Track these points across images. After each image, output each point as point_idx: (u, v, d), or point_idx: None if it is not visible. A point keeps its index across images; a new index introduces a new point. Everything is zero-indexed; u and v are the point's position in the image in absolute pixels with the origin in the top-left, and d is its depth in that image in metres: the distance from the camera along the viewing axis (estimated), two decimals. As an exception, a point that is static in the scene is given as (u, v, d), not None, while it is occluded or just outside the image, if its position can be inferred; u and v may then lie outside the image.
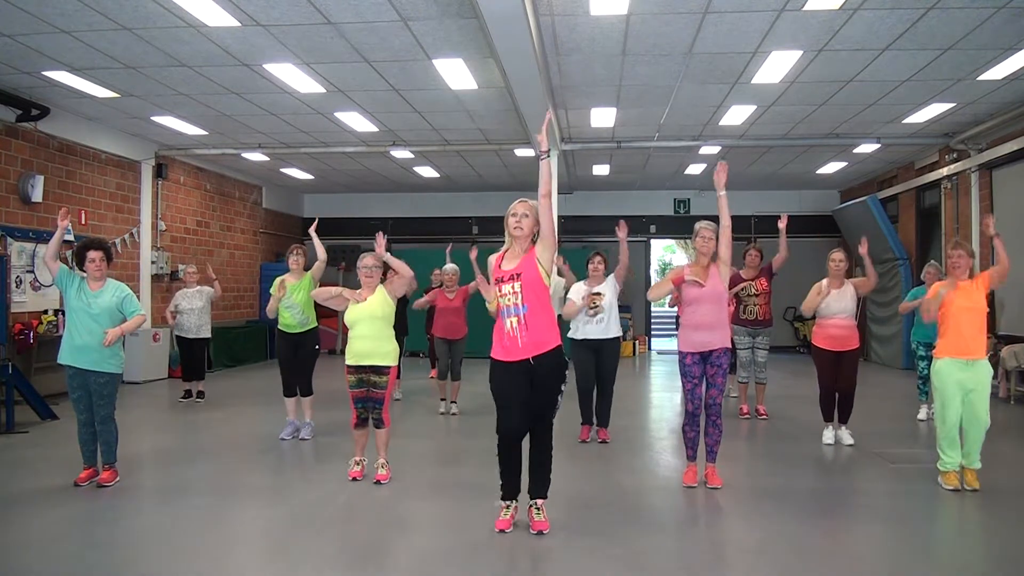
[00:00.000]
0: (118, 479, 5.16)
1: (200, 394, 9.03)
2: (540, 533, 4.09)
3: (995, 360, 9.07)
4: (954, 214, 11.08)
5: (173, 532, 4.24)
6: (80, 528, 4.41)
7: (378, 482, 5.17)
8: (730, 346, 5.16)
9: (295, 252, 6.80)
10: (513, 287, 4.07)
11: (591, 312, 6.27)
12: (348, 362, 5.22)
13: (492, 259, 4.28)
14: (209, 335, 9.17)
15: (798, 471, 5.71)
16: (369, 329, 5.17)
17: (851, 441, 6.40)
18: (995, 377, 8.97)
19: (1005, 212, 9.92)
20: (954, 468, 5.06)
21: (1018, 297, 9.46)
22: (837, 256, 6.47)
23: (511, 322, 4.07)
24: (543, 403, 4.14)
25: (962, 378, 5.03)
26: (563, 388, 4.20)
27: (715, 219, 4.99)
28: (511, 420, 4.09)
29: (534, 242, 4.15)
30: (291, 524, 4.40)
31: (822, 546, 4.09)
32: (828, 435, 6.49)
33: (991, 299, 9.79)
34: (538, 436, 4.21)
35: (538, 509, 4.19)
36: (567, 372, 4.24)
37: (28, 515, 4.52)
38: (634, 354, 14.99)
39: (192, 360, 8.98)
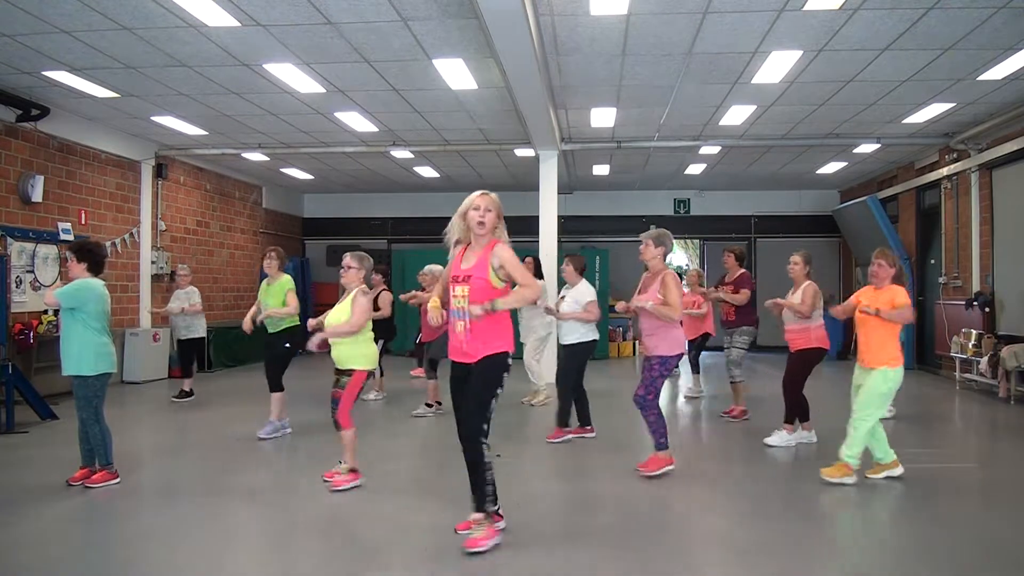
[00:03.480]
0: (117, 480, 5.15)
1: (187, 393, 8.92)
2: (471, 552, 3.81)
3: (995, 360, 9.08)
4: (954, 214, 11.08)
5: (172, 532, 4.24)
6: (79, 528, 4.42)
7: (329, 484, 5.09)
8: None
9: (271, 255, 6.91)
10: (463, 291, 3.91)
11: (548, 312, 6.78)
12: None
13: (456, 250, 4.09)
14: (201, 334, 9.27)
15: (792, 469, 5.71)
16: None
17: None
18: (995, 377, 9.03)
19: (1005, 212, 9.92)
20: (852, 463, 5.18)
21: (1018, 297, 9.46)
22: (796, 257, 6.56)
23: (460, 325, 3.93)
24: (465, 407, 3.93)
25: (859, 382, 5.24)
26: (494, 396, 3.91)
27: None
28: (458, 422, 3.99)
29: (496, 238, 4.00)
30: (291, 524, 4.41)
31: (820, 544, 4.10)
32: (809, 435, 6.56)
33: (991, 299, 9.84)
34: (463, 445, 3.92)
35: (478, 524, 3.93)
36: (501, 381, 3.91)
37: (28, 515, 4.52)
38: (634, 354, 14.99)
39: (183, 358, 9.13)
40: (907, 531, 4.38)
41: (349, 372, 5.14)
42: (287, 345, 6.88)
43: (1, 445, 6.48)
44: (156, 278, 11.53)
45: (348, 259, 5.27)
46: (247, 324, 7.00)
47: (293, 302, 6.80)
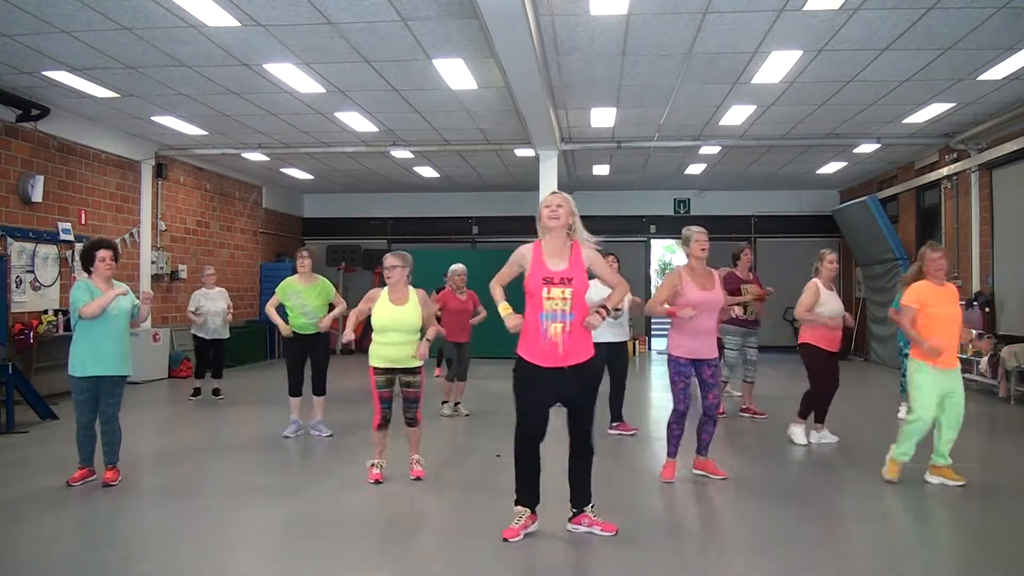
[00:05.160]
0: (120, 478, 5.17)
1: (217, 391, 9.12)
2: (609, 534, 4.06)
3: (995, 360, 9.08)
4: (954, 214, 11.08)
5: (173, 532, 4.24)
6: (80, 528, 4.42)
7: (417, 478, 5.23)
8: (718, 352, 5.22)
9: (302, 255, 6.87)
10: (564, 292, 3.91)
11: (613, 315, 6.30)
12: (376, 364, 5.15)
13: (527, 251, 4.05)
14: (228, 335, 9.33)
15: (795, 470, 5.72)
16: (401, 337, 5.13)
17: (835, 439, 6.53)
18: (995, 377, 9.03)
19: (1005, 212, 9.93)
20: (905, 461, 5.14)
21: (1018, 297, 9.46)
22: (835, 257, 6.55)
23: (554, 328, 3.89)
24: (581, 410, 4.05)
25: (941, 385, 5.07)
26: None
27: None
28: (536, 423, 3.99)
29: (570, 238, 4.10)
30: (293, 524, 4.40)
31: (821, 543, 4.09)
32: (807, 435, 6.53)
33: (991, 299, 9.86)
34: (581, 445, 4.09)
35: (595, 514, 4.13)
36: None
37: (28, 515, 4.52)
38: (634, 354, 14.99)
39: (214, 359, 9.17)
40: (905, 530, 4.37)
41: (417, 370, 5.24)
42: (330, 348, 7.02)
43: (1, 445, 6.48)
44: (156, 278, 11.54)
45: (391, 259, 5.24)
46: (288, 330, 6.73)
47: (342, 302, 6.97)
